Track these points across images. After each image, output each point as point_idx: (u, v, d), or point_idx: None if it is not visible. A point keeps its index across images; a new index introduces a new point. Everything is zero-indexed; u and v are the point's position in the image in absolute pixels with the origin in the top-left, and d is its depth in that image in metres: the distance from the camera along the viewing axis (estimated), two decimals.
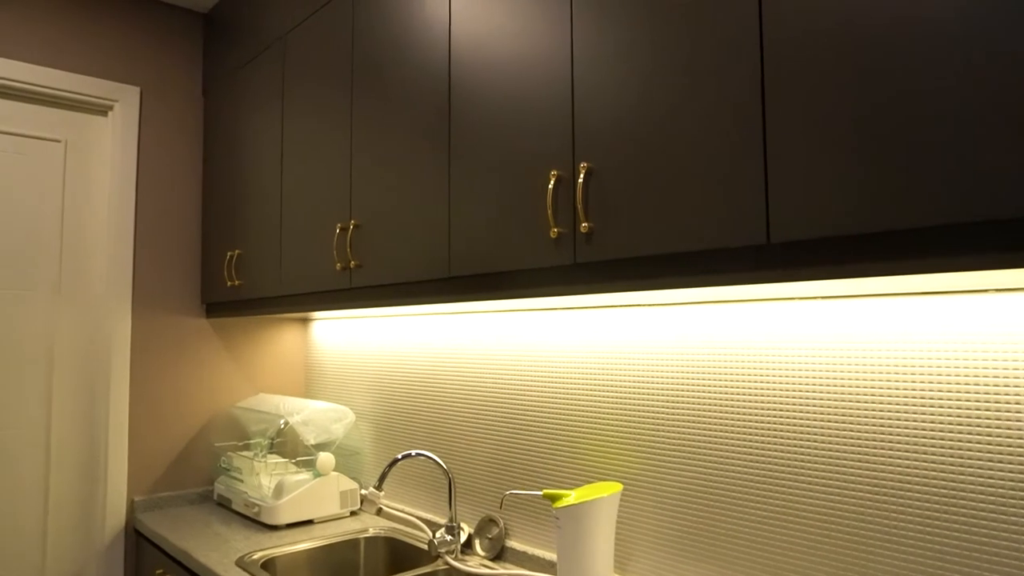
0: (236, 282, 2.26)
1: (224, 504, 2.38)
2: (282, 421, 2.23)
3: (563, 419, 1.68)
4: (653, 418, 1.49)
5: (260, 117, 2.21)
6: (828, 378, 1.22)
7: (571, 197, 1.19)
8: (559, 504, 1.45)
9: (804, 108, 0.89)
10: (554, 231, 1.20)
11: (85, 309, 2.36)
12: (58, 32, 2.31)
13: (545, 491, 1.51)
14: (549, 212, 1.20)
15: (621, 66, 1.12)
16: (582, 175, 1.16)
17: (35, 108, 2.30)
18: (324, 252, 1.84)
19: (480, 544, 1.85)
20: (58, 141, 2.33)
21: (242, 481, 2.32)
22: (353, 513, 2.28)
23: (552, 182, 1.20)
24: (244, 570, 1.76)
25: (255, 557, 1.86)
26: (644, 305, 1.52)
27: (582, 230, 1.15)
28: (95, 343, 2.37)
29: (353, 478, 2.37)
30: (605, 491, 1.46)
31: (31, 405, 2.24)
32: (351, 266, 1.71)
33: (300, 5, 2.03)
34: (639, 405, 1.52)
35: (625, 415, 1.55)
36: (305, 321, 2.78)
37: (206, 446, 2.52)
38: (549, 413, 1.72)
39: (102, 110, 2.41)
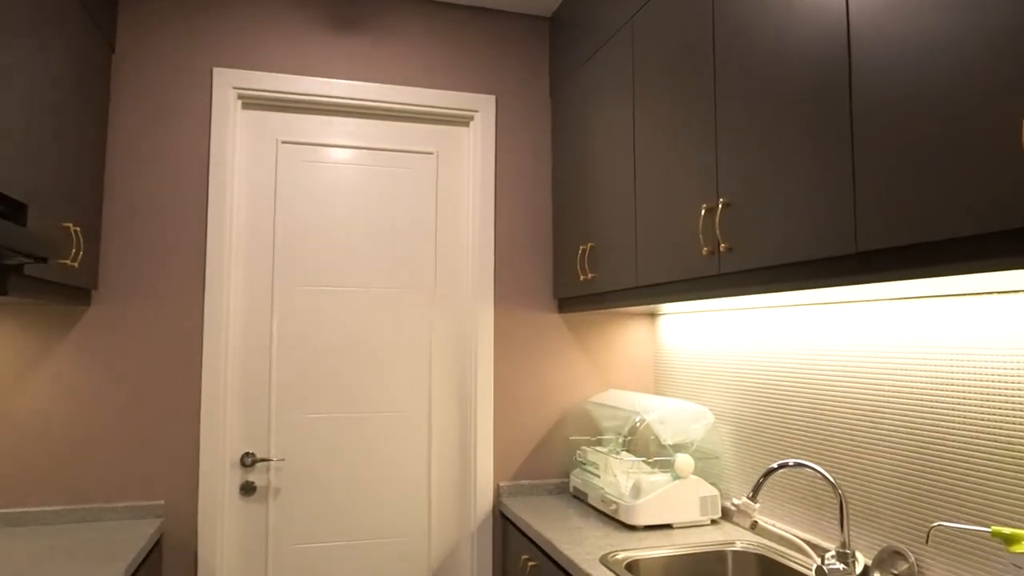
0: (589, 275, 2.25)
1: (580, 497, 2.39)
2: (637, 418, 2.16)
3: (1009, 436, 1.30)
4: None
5: (608, 106, 2.17)
6: None
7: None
8: (1020, 548, 1.10)
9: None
10: None
11: (455, 306, 2.57)
12: (428, 55, 2.55)
13: (995, 528, 1.16)
14: None
15: None
16: None
17: (411, 125, 2.57)
18: (686, 237, 1.70)
19: None
20: (430, 153, 2.58)
21: (598, 476, 2.30)
22: (714, 522, 2.10)
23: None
24: (609, 569, 1.70)
25: (618, 557, 1.80)
26: None
27: None
28: (464, 338, 2.57)
29: (712, 484, 2.20)
30: None
31: (417, 391, 2.50)
32: (720, 250, 1.54)
33: None
34: None
35: None
36: (653, 316, 2.69)
37: (561, 438, 2.57)
38: (985, 428, 1.34)
39: (464, 121, 2.61)
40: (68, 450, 2.13)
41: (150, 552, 2.04)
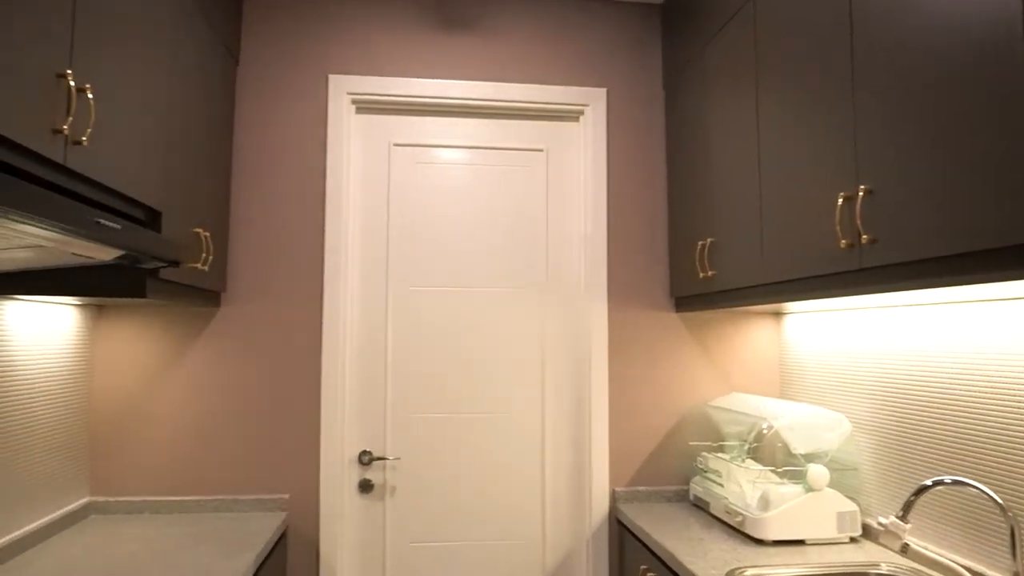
0: (709, 272, 2.13)
1: (701, 506, 2.26)
2: (764, 424, 2.01)
3: None
4: None
5: (727, 93, 2.04)
6: None
7: None
8: None
9: None
10: None
11: (567, 305, 2.51)
12: (536, 51, 2.51)
13: None
14: None
15: None
16: None
17: (521, 123, 2.53)
18: (820, 229, 1.56)
19: None
20: (540, 150, 2.53)
21: (721, 485, 2.17)
22: (853, 540, 1.93)
23: None
24: None
25: (747, 574, 1.67)
26: None
27: None
28: (577, 337, 2.50)
29: (850, 498, 2.02)
30: None
31: (530, 392, 2.46)
32: (861, 242, 1.39)
33: None
34: None
35: None
36: (778, 315, 2.51)
37: (680, 444, 2.45)
38: None
39: (574, 116, 2.55)
40: (202, 444, 2.25)
41: (276, 543, 2.11)
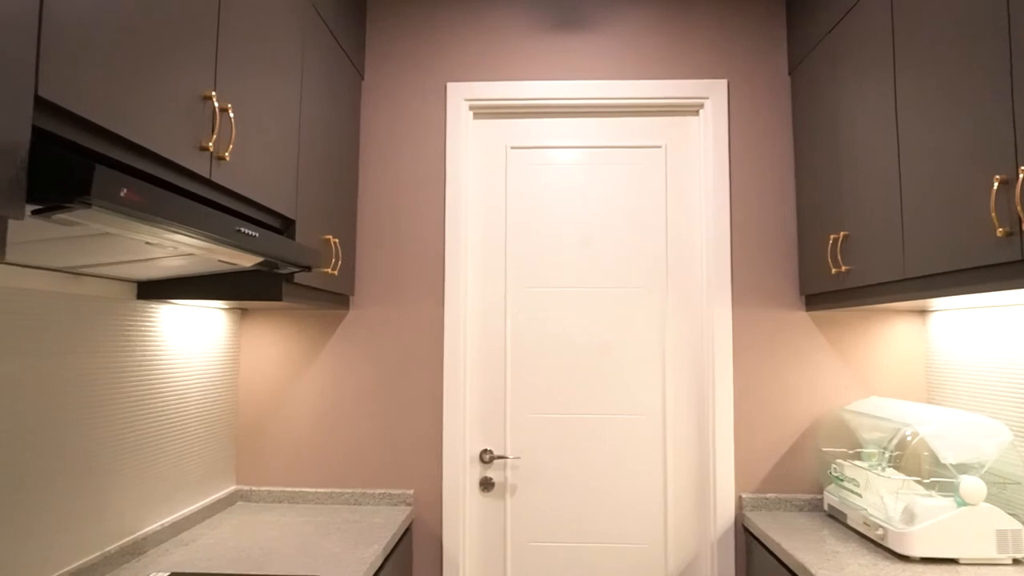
0: (843, 268, 1.99)
1: (836, 517, 2.13)
2: (908, 431, 1.86)
3: None
4: None
5: (861, 77, 1.90)
6: None
7: None
8: None
9: None
10: None
11: (689, 304, 2.44)
12: (651, 45, 2.46)
13: None
14: None
15: None
16: None
17: (638, 120, 2.49)
18: (972, 218, 1.42)
19: None
20: (659, 147, 2.48)
21: (859, 495, 2.03)
22: (1016, 562, 1.74)
23: None
24: None
25: None
26: None
27: None
28: (699, 338, 2.42)
29: (1011, 515, 1.82)
30: None
31: (650, 393, 2.41)
32: (1022, 229, 1.26)
33: None
34: None
35: None
36: (922, 313, 2.32)
37: (812, 449, 2.32)
38: None
39: (693, 109, 2.47)
40: (334, 439, 2.38)
41: (402, 536, 2.19)
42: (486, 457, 2.40)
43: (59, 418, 1.50)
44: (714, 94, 2.42)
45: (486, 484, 2.40)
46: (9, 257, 1.27)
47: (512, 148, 2.50)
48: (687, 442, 2.40)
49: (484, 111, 2.50)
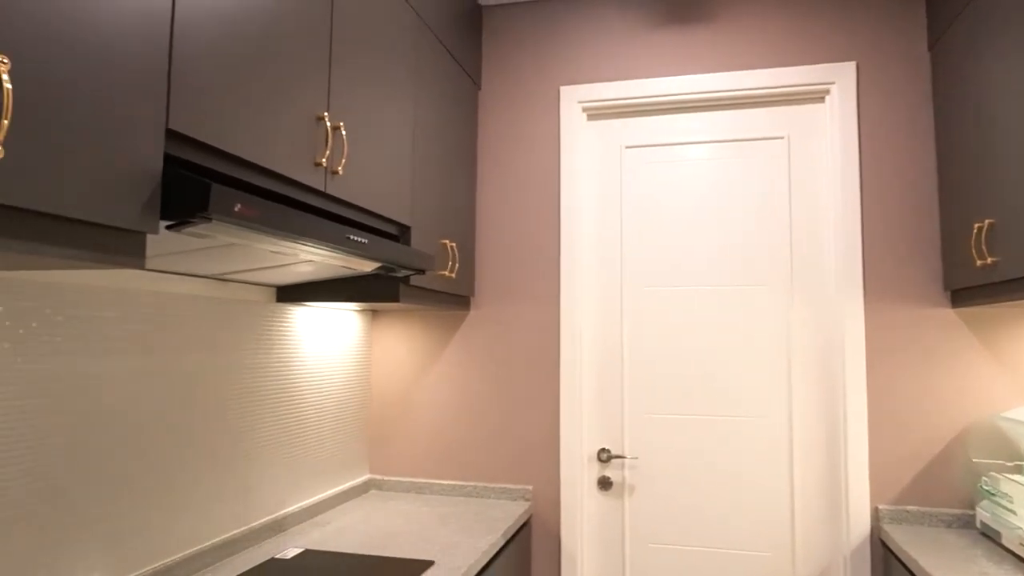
0: (988, 260, 1.81)
1: (990, 536, 1.93)
2: None
3: None
4: None
5: (1012, 48, 1.72)
6: None
7: None
8: None
9: None
10: None
11: (816, 303, 2.31)
12: (770, 32, 2.35)
13: None
14: None
15: None
16: None
17: (757, 111, 2.39)
18: None
19: None
20: (781, 138, 2.37)
21: (1014, 512, 1.83)
22: None
23: None
24: None
25: None
26: None
27: None
28: (828, 337, 2.29)
29: None
30: None
31: (774, 396, 2.31)
32: None
33: None
34: None
35: None
36: None
37: (961, 460, 2.11)
38: None
39: (818, 96, 2.34)
40: (456, 435, 2.49)
41: (520, 529, 2.26)
42: (603, 456, 2.41)
43: (209, 407, 1.71)
44: (841, 78, 2.28)
45: (604, 483, 2.41)
46: (166, 266, 1.48)
47: (627, 147, 2.49)
48: (816, 447, 2.27)
49: (598, 112, 2.52)
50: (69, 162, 0.87)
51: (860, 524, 2.16)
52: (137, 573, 1.47)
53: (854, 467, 2.17)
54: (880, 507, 2.14)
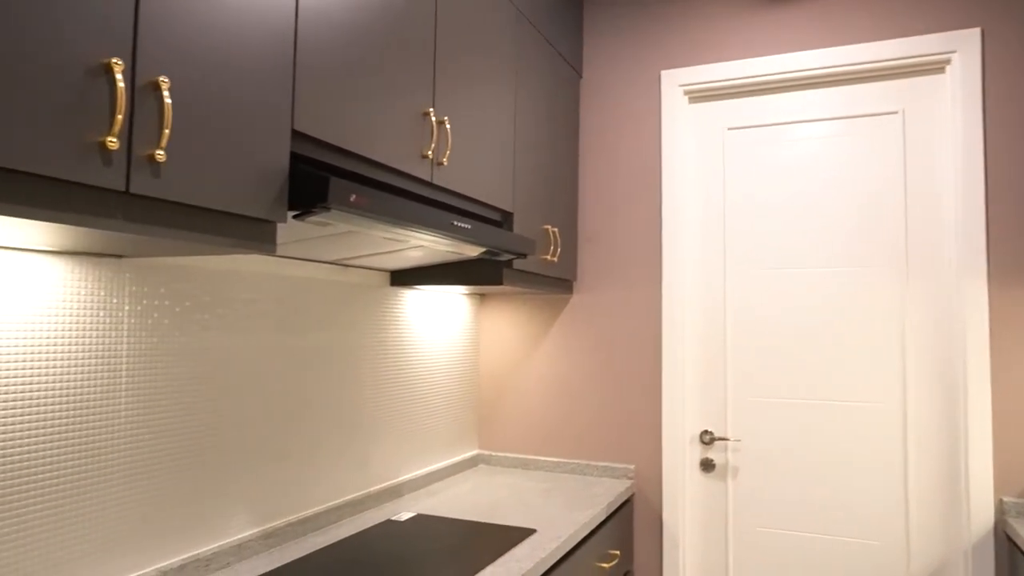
0: None
1: None
2: None
3: None
4: None
5: None
6: None
7: None
8: None
9: None
10: None
11: (933, 285, 2.20)
12: (881, 1, 2.25)
13: None
14: None
15: None
16: None
17: (868, 86, 2.30)
18: None
19: None
20: (894, 112, 2.27)
21: None
22: None
23: None
24: None
25: None
26: None
27: None
28: (948, 322, 2.18)
29: None
30: None
31: (887, 381, 2.23)
32: None
33: None
34: None
35: None
36: None
37: None
38: None
39: (939, 67, 2.22)
40: (560, 413, 2.58)
41: (622, 506, 2.32)
42: (706, 438, 2.42)
43: (333, 382, 1.89)
44: (964, 46, 2.15)
45: (707, 465, 2.43)
46: (293, 253, 1.66)
47: (729, 129, 2.47)
48: (932, 435, 2.18)
49: (699, 95, 2.51)
50: (216, 163, 1.02)
51: (982, 517, 2.06)
52: (272, 525, 1.67)
53: (976, 456, 2.07)
54: (1005, 499, 2.03)
